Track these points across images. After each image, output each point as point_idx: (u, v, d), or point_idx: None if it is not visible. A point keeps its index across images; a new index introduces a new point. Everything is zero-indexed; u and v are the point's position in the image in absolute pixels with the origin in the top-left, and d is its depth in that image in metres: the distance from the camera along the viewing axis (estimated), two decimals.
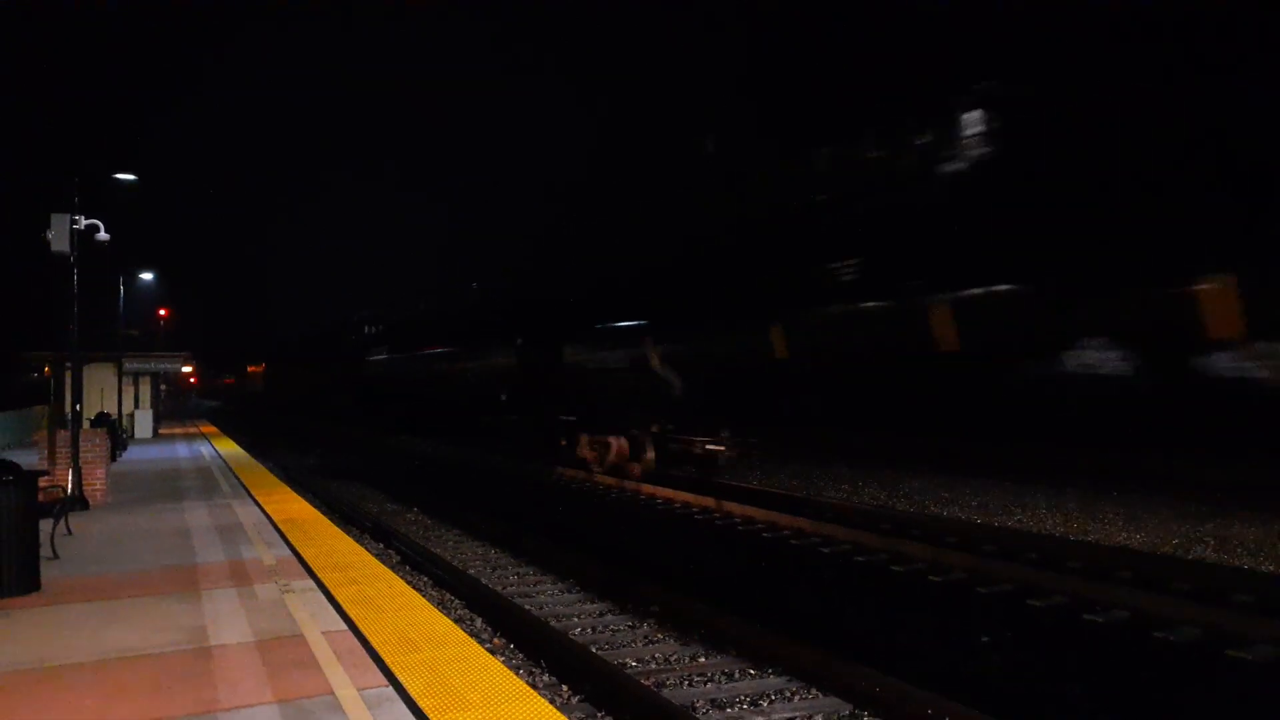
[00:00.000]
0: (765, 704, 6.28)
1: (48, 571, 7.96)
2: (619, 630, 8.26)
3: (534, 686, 6.50)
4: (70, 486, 12.34)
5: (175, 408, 61.73)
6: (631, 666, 7.10)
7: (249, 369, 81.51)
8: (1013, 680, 6.36)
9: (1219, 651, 6.53)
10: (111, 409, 27.23)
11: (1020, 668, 6.60)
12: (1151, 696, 6.01)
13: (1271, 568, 9.42)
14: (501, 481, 18.95)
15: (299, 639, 5.92)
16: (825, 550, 10.53)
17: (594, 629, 8.29)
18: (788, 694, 6.41)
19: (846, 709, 6.04)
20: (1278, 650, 6.43)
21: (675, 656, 7.38)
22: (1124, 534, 11.35)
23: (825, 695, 6.28)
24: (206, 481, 16.27)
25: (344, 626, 6.19)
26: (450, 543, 13.09)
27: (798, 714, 6.06)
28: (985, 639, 7.18)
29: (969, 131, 8.54)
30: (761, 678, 6.75)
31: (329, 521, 11.29)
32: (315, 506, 12.89)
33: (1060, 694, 6.10)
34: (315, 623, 6.31)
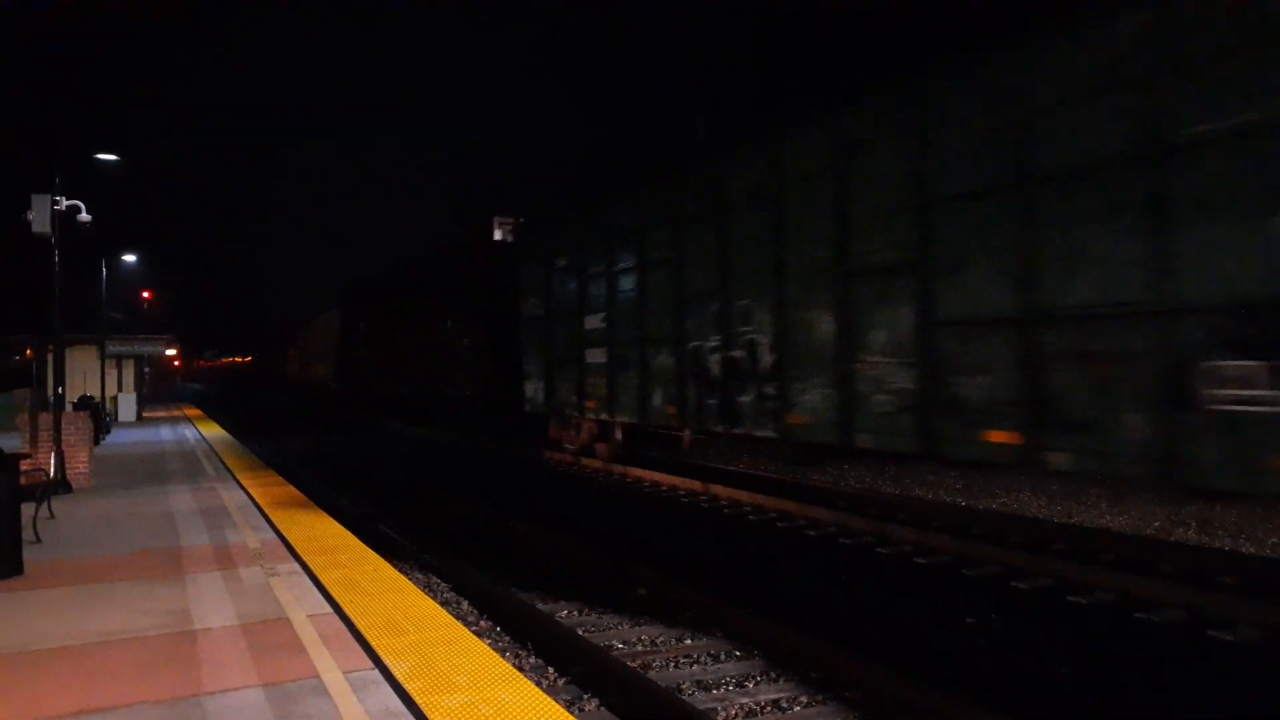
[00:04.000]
0: (750, 685, 6.30)
1: (30, 555, 7.91)
2: (606, 613, 8.27)
3: (520, 669, 6.50)
4: (53, 470, 12.26)
5: (160, 391, 60.59)
6: (618, 649, 7.11)
7: (291, 351, 52.79)
8: (998, 661, 6.40)
9: (1201, 632, 6.61)
10: (94, 392, 27.06)
11: (1005, 648, 6.64)
12: (1135, 677, 6.06)
13: (1251, 550, 9.50)
14: (490, 465, 18.93)
15: (284, 622, 5.90)
16: (811, 533, 10.58)
17: (580, 612, 8.30)
18: (773, 675, 6.43)
19: (832, 690, 6.07)
20: (1258, 632, 6.50)
21: (662, 639, 7.39)
22: (1107, 517, 11.44)
23: (810, 676, 6.30)
24: (191, 465, 16.19)
25: (329, 610, 6.18)
26: (436, 526, 13.07)
27: (782, 695, 6.08)
28: (970, 620, 7.22)
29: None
30: (747, 659, 6.78)
31: (315, 505, 11.25)
32: (301, 490, 12.84)
33: (1045, 674, 6.15)
34: (300, 606, 6.29)
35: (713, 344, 11.87)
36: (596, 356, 15.25)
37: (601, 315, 15.12)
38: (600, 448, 16.89)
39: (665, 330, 13.02)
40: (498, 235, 21.17)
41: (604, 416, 15.08)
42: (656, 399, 13.26)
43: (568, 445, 17.72)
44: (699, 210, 12.28)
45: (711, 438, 17.39)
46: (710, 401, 11.88)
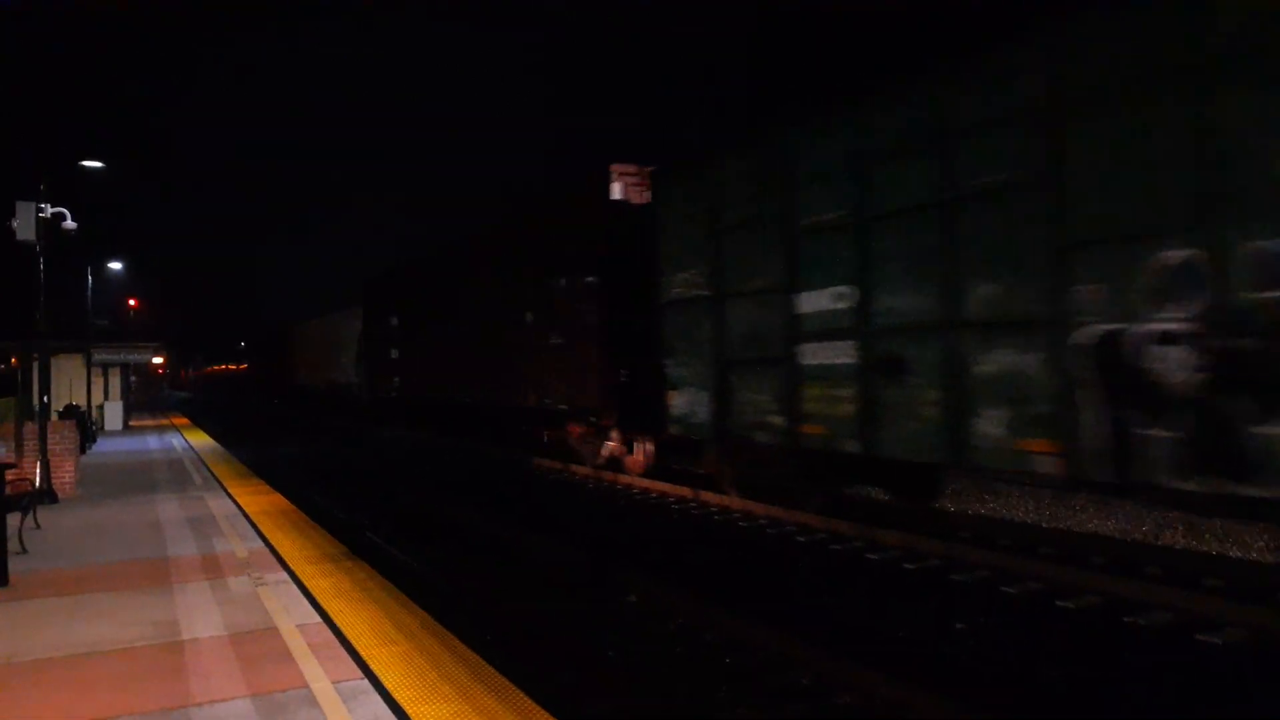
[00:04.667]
0: (741, 689, 6.29)
1: (15, 566, 7.85)
2: (597, 620, 8.25)
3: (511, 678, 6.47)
4: (38, 480, 12.18)
5: (147, 399, 59.99)
6: (609, 656, 7.09)
7: (297, 356, 46.32)
8: (988, 664, 6.41)
9: (1190, 635, 6.64)
10: (80, 400, 26.89)
11: (995, 652, 6.66)
12: (1124, 679, 6.08)
13: (1239, 553, 9.55)
14: (480, 466, 18.87)
15: (272, 632, 5.86)
16: (801, 539, 10.59)
17: (571, 619, 8.28)
18: (763, 679, 6.42)
19: (822, 693, 6.07)
20: (1246, 634, 6.54)
21: (652, 645, 7.38)
22: (1095, 520, 11.48)
23: (801, 681, 6.30)
24: (178, 474, 16.10)
25: (318, 619, 6.14)
26: (427, 533, 13.03)
27: (773, 698, 6.07)
28: (960, 625, 7.23)
29: None
30: (737, 664, 6.77)
31: (303, 514, 11.20)
32: (289, 499, 12.78)
33: (1035, 677, 6.16)
34: (289, 616, 6.26)
35: (1162, 325, 6.69)
36: (828, 354, 9.78)
37: (839, 290, 9.63)
38: (810, 494, 11.36)
39: (1013, 305, 7.89)
40: (617, 192, 15.09)
41: (849, 448, 9.61)
42: (990, 424, 8.09)
43: (740, 490, 12.39)
44: (1116, 82, 7.10)
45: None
46: (1159, 433, 6.72)
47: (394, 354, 27.57)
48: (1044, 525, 10.96)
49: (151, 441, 24.87)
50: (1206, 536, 10.34)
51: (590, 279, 15.39)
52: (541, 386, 17.28)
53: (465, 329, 21.63)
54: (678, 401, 12.60)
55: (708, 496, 12.92)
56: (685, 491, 13.45)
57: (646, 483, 14.47)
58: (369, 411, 32.42)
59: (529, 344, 17.76)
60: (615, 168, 15.28)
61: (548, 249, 17.08)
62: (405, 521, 14.04)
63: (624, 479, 15.15)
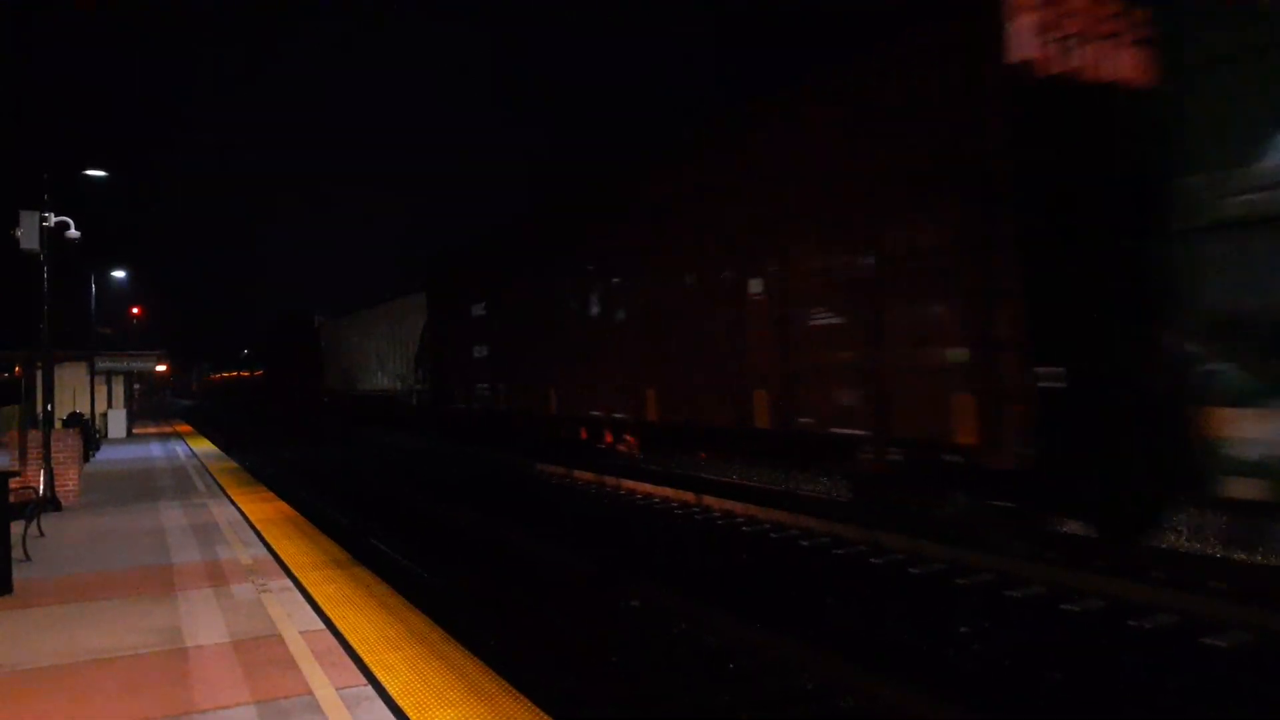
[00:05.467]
0: (744, 692, 6.28)
1: (19, 573, 7.87)
2: (600, 625, 8.24)
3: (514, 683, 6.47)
4: (42, 487, 12.20)
5: (150, 406, 59.94)
6: (611, 661, 7.09)
7: (328, 359, 40.66)
8: (992, 668, 6.40)
9: (1194, 638, 6.63)
10: (84, 408, 26.94)
11: (999, 655, 6.65)
12: (1128, 682, 6.07)
13: (1243, 556, 9.53)
14: (482, 471, 18.86)
15: (276, 639, 5.87)
16: (804, 543, 10.58)
17: (574, 624, 8.27)
18: (766, 682, 6.41)
19: (826, 697, 6.06)
20: (1251, 637, 6.52)
21: (655, 650, 7.37)
22: None
23: (805, 685, 6.29)
24: (181, 481, 16.12)
25: (322, 626, 6.15)
26: (430, 538, 13.03)
27: (776, 701, 6.06)
28: (964, 629, 7.22)
29: None
30: (741, 668, 6.76)
31: (306, 520, 11.21)
32: (292, 506, 12.79)
33: (1038, 680, 6.15)
34: (293, 622, 6.26)
35: None
36: None
37: None
38: None
39: None
40: (1020, 45, 7.92)
41: None
42: None
43: None
44: None
45: None
46: None
47: (479, 352, 21.36)
48: (1046, 529, 10.93)
49: (155, 449, 24.90)
50: (1211, 540, 10.31)
51: (941, 210, 8.56)
52: (791, 397, 10.72)
53: (608, 311, 15.05)
54: (1257, 430, 6.11)
55: (710, 501, 12.92)
56: (689, 496, 13.45)
57: (650, 487, 14.44)
58: (436, 427, 26.04)
59: (756, 328, 11.33)
60: None
61: (797, 168, 10.54)
62: (408, 527, 14.05)
63: (627, 484, 15.10)
